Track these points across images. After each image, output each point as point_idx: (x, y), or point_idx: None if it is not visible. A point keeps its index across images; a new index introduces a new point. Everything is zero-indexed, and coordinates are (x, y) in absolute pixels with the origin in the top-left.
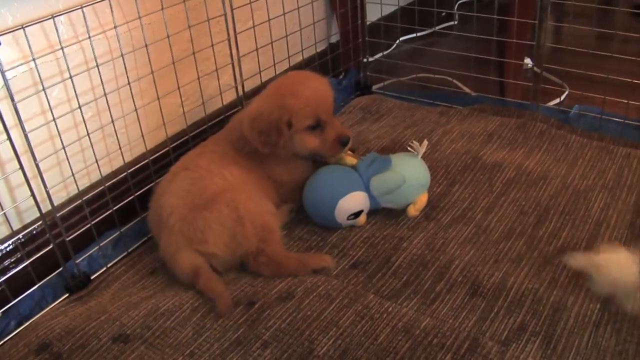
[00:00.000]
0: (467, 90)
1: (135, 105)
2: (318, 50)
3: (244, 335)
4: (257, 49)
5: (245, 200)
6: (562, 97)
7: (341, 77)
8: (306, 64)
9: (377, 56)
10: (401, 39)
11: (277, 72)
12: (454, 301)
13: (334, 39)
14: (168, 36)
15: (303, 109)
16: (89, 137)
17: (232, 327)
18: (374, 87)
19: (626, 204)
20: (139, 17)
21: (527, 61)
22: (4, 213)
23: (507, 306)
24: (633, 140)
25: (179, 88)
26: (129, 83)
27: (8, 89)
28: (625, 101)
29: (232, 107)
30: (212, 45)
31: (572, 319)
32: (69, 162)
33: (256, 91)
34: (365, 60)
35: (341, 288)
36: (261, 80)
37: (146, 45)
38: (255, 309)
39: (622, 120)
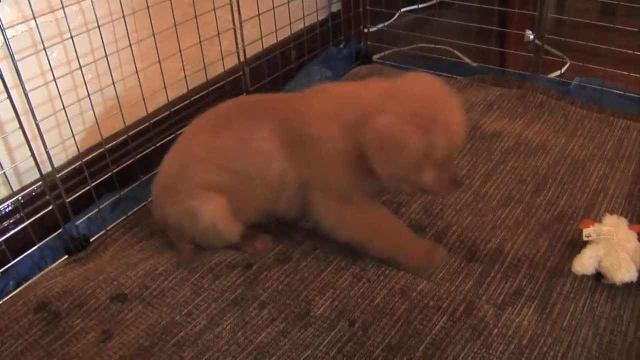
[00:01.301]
0: (467, 60)
1: (136, 67)
2: (319, 18)
3: (241, 295)
4: (259, 14)
5: None
6: (563, 69)
7: (342, 46)
8: (307, 32)
9: (378, 26)
10: (403, 9)
11: (278, 39)
12: (451, 265)
13: (336, 7)
14: None
15: (446, 144)
16: (90, 99)
17: (230, 287)
18: (375, 57)
19: (624, 175)
20: None
21: (529, 33)
22: (4, 173)
23: (504, 271)
24: (633, 112)
25: (180, 52)
26: (130, 45)
27: (8, 47)
28: (626, 73)
29: (233, 72)
30: (214, 9)
31: (568, 284)
32: (69, 123)
33: (258, 57)
34: (366, 29)
35: (338, 251)
36: (262, 47)
37: (148, 7)
38: (252, 270)
39: (623, 93)
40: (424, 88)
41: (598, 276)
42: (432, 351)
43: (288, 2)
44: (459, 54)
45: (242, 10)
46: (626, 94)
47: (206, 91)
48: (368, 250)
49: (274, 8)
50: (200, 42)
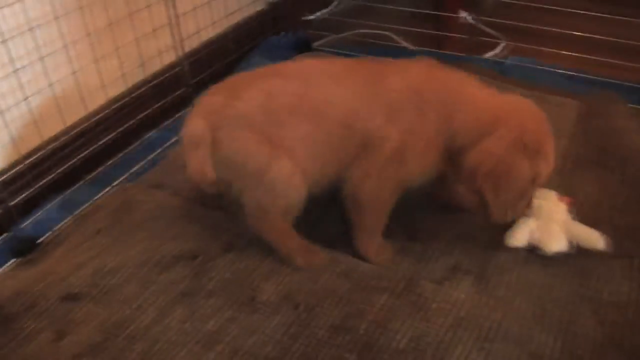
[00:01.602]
0: (405, 44)
1: (73, 68)
2: (258, 8)
3: (188, 287)
4: (194, 8)
5: None
6: (498, 49)
7: (282, 35)
8: (246, 23)
9: (317, 14)
10: None
11: (216, 31)
12: (392, 245)
13: None
14: None
15: (547, 174)
16: (29, 101)
17: (177, 279)
18: (315, 45)
19: (559, 150)
20: None
21: (464, 14)
22: None
23: (442, 248)
24: (565, 90)
25: (116, 50)
26: (65, 45)
27: None
28: (557, 51)
29: (173, 67)
30: (149, 6)
31: (502, 257)
32: (8, 127)
33: (197, 50)
34: (305, 18)
35: None
36: (200, 41)
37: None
38: (198, 261)
39: (556, 71)
40: (530, 114)
41: (531, 248)
42: (373, 328)
43: None
44: (397, 38)
45: (178, 5)
46: (560, 71)
47: (145, 88)
48: (353, 214)
49: (209, 2)
50: (136, 39)
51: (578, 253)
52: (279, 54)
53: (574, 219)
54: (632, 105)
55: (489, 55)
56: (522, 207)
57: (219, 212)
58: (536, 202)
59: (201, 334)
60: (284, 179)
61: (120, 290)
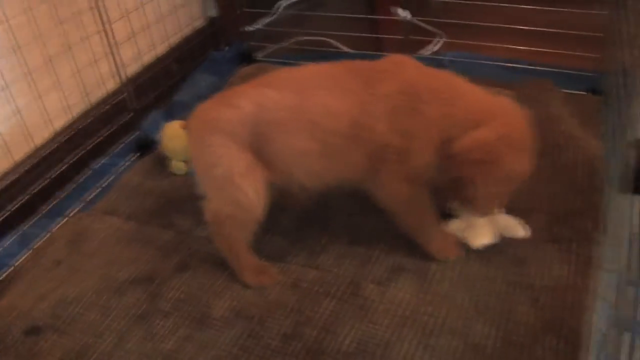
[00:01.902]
0: (344, 48)
1: (17, 106)
2: (197, 26)
3: (146, 310)
4: (133, 35)
5: None
6: (436, 45)
7: (225, 49)
8: (186, 42)
9: (256, 26)
10: (283, 4)
11: (157, 55)
12: (337, 251)
13: (214, 12)
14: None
15: (528, 173)
16: None
17: (135, 304)
18: (258, 56)
19: None
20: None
21: (400, 12)
22: None
23: (385, 249)
24: (501, 80)
25: (58, 84)
26: (5, 84)
27: None
28: (492, 44)
29: (115, 94)
30: (86, 38)
31: None
32: None
33: (140, 75)
34: (245, 30)
35: None
36: (142, 65)
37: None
38: (155, 284)
39: (491, 62)
40: (517, 115)
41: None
42: (323, 334)
43: (162, 19)
44: (336, 43)
45: (115, 33)
46: (496, 63)
47: (91, 117)
48: (397, 220)
49: (148, 27)
50: (76, 70)
51: (516, 243)
52: (222, 68)
53: (507, 211)
54: (566, 91)
55: (427, 52)
56: (503, 200)
57: (171, 232)
58: None
59: (161, 355)
60: (248, 192)
61: (82, 319)
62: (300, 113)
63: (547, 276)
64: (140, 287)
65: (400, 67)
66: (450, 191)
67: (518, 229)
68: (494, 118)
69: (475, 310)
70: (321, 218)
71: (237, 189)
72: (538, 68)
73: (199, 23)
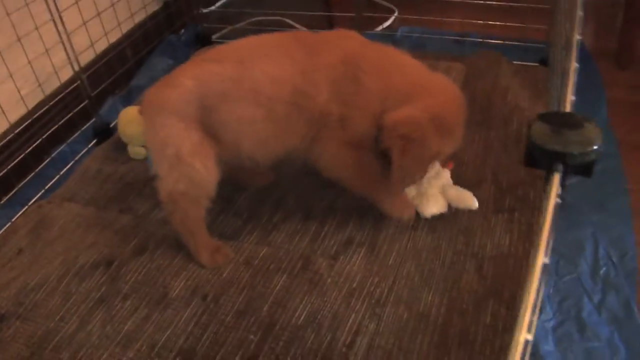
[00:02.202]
0: (299, 27)
1: None
2: (151, 10)
3: (106, 292)
4: (84, 23)
5: None
6: (387, 23)
7: (181, 32)
8: (140, 27)
9: (210, 8)
10: None
11: (110, 42)
12: (289, 228)
13: None
14: None
15: (449, 153)
16: None
17: (95, 287)
18: (214, 37)
19: None
20: None
21: None
22: None
23: (336, 224)
24: (453, 54)
25: (11, 75)
26: None
27: None
28: (442, 19)
29: (70, 82)
30: (38, 28)
31: (392, 227)
32: None
33: (94, 62)
34: (200, 12)
35: None
36: (95, 53)
37: None
38: (114, 267)
39: (443, 37)
40: (452, 95)
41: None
42: (274, 308)
43: (113, 5)
44: (291, 22)
45: (67, 22)
46: (447, 37)
47: (47, 106)
48: (347, 187)
49: (99, 14)
50: (29, 62)
51: (463, 213)
52: (179, 51)
53: (455, 182)
54: (518, 63)
55: (380, 28)
56: (418, 176)
57: (129, 215)
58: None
59: (120, 335)
60: (199, 168)
61: (44, 305)
62: (243, 82)
63: (491, 245)
64: (99, 271)
65: (344, 39)
66: (381, 159)
67: (469, 200)
68: (428, 95)
69: (422, 279)
70: (274, 197)
71: (188, 166)
72: (489, 41)
73: (152, 7)
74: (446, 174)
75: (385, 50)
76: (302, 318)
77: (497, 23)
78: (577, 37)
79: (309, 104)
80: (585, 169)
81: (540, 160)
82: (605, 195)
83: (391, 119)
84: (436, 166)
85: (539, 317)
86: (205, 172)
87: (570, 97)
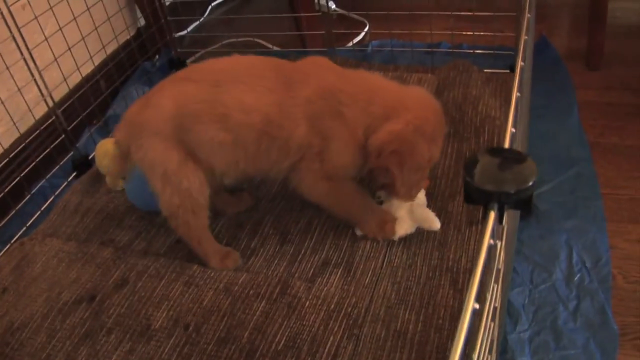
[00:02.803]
0: (273, 47)
1: None
2: (121, 41)
3: (90, 327)
4: (56, 59)
5: None
6: (360, 37)
7: (156, 59)
8: (113, 58)
9: (182, 33)
10: (212, 4)
11: (83, 75)
12: (267, 252)
13: (141, 23)
14: None
15: (437, 159)
16: None
17: (79, 323)
18: (189, 61)
19: None
20: None
21: (324, 3)
22: None
23: (313, 246)
24: (425, 65)
25: None
26: None
27: None
28: (411, 31)
29: (46, 118)
30: (9, 67)
31: (367, 246)
32: None
33: (68, 97)
34: (173, 37)
35: (168, 264)
36: (69, 88)
37: None
38: (96, 301)
39: (413, 50)
40: (429, 105)
41: None
42: (255, 335)
43: (83, 39)
44: (264, 43)
45: (38, 59)
46: (418, 50)
47: (24, 144)
48: (335, 214)
49: (69, 49)
50: (1, 101)
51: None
52: (154, 77)
53: (429, 195)
54: (488, 70)
55: (350, 44)
56: (420, 184)
57: (110, 248)
58: None
59: None
60: (188, 182)
61: (29, 343)
62: (216, 105)
63: (465, 258)
64: (83, 306)
65: (319, 69)
66: (374, 183)
67: (433, 222)
68: (406, 110)
69: (398, 297)
70: (252, 222)
71: (178, 181)
72: (459, 50)
73: (124, 36)
74: (420, 194)
75: (359, 76)
76: (281, 343)
77: (467, 33)
78: (524, 39)
79: (283, 135)
80: (523, 205)
81: (477, 198)
82: (579, 200)
83: (378, 140)
84: None
85: (514, 330)
86: (195, 184)
87: (510, 130)
